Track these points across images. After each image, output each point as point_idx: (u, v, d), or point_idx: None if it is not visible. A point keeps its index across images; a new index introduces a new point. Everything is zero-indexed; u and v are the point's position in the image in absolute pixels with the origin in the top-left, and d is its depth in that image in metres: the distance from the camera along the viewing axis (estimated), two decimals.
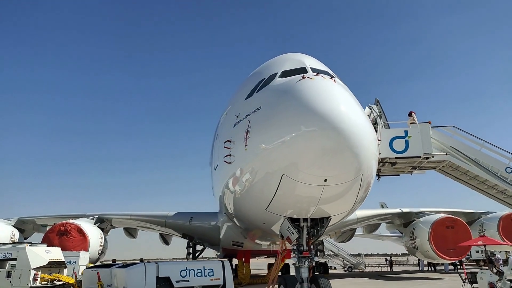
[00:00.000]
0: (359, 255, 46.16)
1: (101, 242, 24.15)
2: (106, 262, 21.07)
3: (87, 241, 22.35)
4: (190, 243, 27.35)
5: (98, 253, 23.85)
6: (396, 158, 11.94)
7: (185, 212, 24.64)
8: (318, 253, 11.43)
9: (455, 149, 12.34)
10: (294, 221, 10.52)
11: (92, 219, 25.83)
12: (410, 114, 13.15)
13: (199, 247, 28.04)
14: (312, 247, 11.24)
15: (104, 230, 26.27)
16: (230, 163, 10.75)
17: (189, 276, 10.00)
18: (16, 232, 26.40)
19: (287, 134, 8.52)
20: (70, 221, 23.18)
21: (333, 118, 8.13)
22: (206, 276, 10.28)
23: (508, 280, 11.71)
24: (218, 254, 26.58)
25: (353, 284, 22.20)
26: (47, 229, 23.29)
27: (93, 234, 23.44)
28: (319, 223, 10.72)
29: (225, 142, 10.97)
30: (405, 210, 28.16)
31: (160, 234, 33.07)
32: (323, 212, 10.14)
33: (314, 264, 11.00)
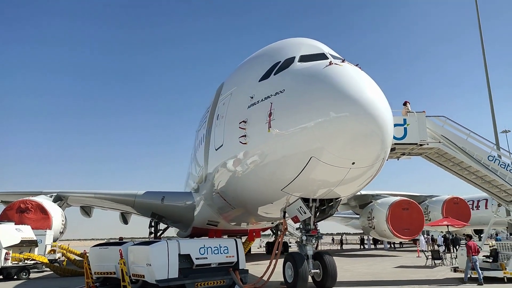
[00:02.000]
0: None
1: (62, 221, 22.88)
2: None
3: (49, 219, 21.08)
4: (153, 222, 26.95)
5: (60, 232, 22.61)
6: (395, 144, 12.76)
7: (156, 191, 23.97)
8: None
9: (445, 137, 13.47)
10: (304, 201, 10.93)
11: (51, 196, 24.33)
12: (405, 104, 14.02)
13: (162, 226, 27.68)
14: (316, 226, 11.84)
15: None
16: (245, 143, 10.76)
17: (207, 254, 9.99)
18: None
19: (319, 118, 8.81)
20: (31, 198, 21.67)
21: (366, 104, 8.63)
22: (222, 253, 10.31)
23: (483, 256, 13.24)
24: (184, 232, 26.26)
25: None
26: (5, 207, 21.52)
27: (55, 212, 22.15)
28: (326, 203, 11.25)
29: (240, 123, 10.94)
30: (363, 192, 29.90)
31: (121, 213, 31.98)
32: (335, 193, 10.64)
33: (319, 242, 11.55)
